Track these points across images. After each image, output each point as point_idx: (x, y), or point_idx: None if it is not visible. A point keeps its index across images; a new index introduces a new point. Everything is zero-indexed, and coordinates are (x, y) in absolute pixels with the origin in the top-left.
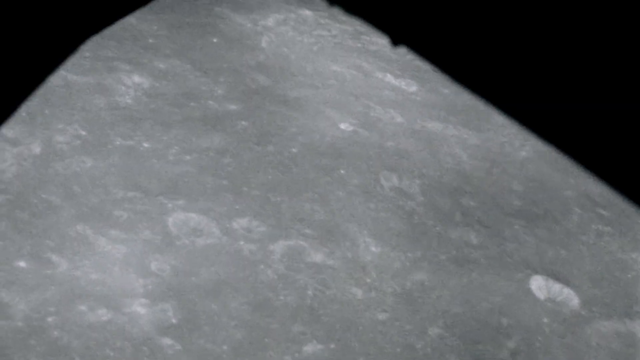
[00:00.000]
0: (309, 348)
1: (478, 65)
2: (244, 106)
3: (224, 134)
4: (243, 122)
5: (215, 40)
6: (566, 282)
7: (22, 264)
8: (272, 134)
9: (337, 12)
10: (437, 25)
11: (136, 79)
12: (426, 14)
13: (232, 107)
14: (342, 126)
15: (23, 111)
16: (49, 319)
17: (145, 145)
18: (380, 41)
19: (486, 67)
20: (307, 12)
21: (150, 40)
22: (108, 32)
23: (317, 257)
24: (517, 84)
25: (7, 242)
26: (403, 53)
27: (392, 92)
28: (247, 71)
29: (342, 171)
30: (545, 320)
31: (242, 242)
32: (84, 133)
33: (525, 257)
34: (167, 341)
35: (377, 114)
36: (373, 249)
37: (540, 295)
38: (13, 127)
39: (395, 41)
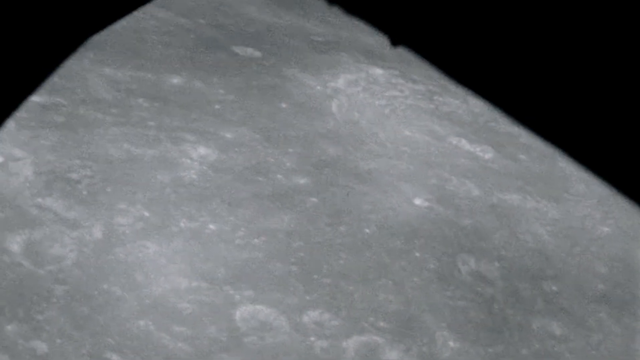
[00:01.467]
0: None
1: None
2: (314, 180)
3: (294, 213)
4: (313, 199)
5: (284, 105)
6: None
7: None
8: (344, 213)
9: (409, 69)
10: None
11: (202, 150)
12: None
13: (302, 181)
14: (417, 202)
15: (84, 189)
16: None
17: (211, 227)
18: (453, 101)
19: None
20: (379, 71)
21: (217, 107)
22: (173, 97)
23: (393, 354)
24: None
25: (66, 340)
26: (477, 114)
27: (467, 160)
28: (317, 140)
29: (417, 254)
30: None
31: (313, 339)
32: (147, 214)
33: (612, 349)
34: None
35: (453, 187)
36: (451, 343)
37: None
38: (73, 207)
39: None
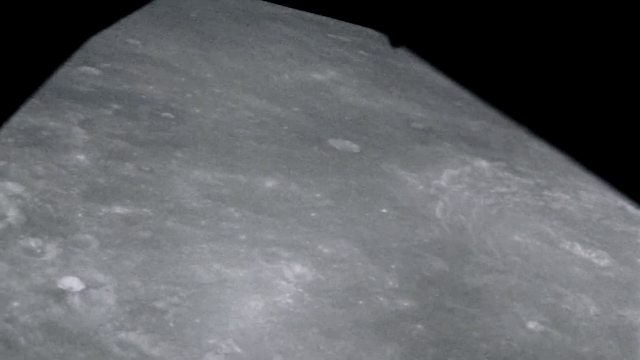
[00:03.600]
0: None
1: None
2: (419, 303)
3: (398, 344)
4: (418, 326)
5: (384, 210)
6: None
7: None
8: (452, 342)
9: (515, 159)
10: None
11: (298, 269)
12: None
13: (406, 303)
14: (531, 325)
15: (170, 320)
16: None
17: None
18: (563, 196)
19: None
20: (484, 164)
21: (313, 214)
22: (267, 203)
23: None
24: None
25: None
26: (589, 210)
27: (582, 269)
28: (420, 252)
29: None
30: None
31: None
32: (239, 350)
33: None
34: None
35: (568, 304)
36: None
37: None
38: (159, 343)
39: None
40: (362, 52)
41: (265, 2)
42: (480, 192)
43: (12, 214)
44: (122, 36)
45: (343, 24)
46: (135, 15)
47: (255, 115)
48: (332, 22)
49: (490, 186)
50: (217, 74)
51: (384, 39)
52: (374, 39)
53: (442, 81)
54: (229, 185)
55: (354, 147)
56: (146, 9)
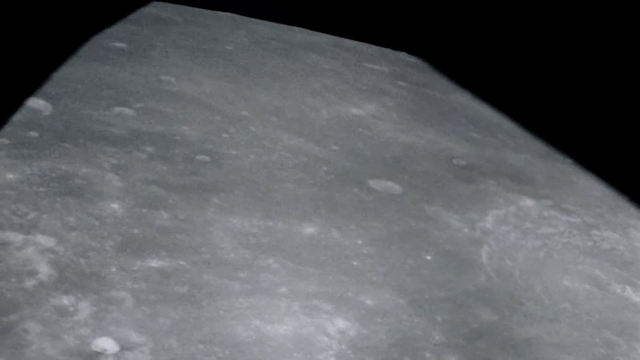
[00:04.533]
0: None
1: None
2: (467, 358)
3: None
4: None
5: (428, 257)
6: None
7: None
8: None
9: (561, 196)
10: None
11: (340, 323)
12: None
13: (453, 359)
14: None
15: None
16: None
17: None
18: (612, 235)
19: None
20: (529, 202)
21: (355, 263)
22: (307, 252)
23: None
24: None
25: None
26: (639, 250)
27: (634, 315)
28: (467, 302)
29: None
30: None
31: None
32: None
33: None
34: None
35: (622, 356)
36: None
37: None
38: None
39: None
40: (400, 82)
41: (300, 29)
42: (526, 234)
43: (44, 270)
44: (156, 72)
45: (379, 50)
46: (170, 50)
47: (293, 155)
48: (368, 48)
49: (537, 226)
50: (253, 110)
51: (422, 65)
52: (411, 67)
53: (483, 111)
54: (267, 233)
55: (396, 188)
56: (180, 42)
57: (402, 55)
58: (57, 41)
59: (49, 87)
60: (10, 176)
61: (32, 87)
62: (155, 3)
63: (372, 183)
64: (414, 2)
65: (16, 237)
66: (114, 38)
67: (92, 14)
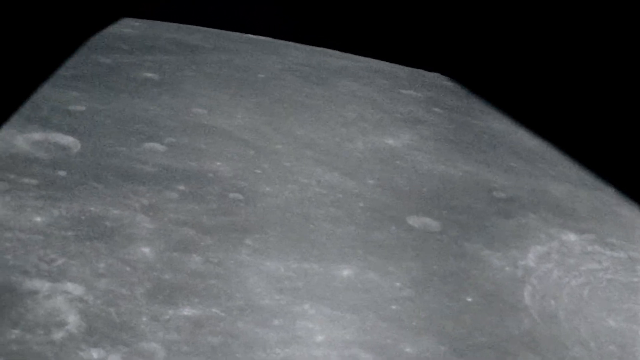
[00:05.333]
0: None
1: None
2: None
3: None
4: None
5: (469, 299)
6: None
7: None
8: None
9: (605, 230)
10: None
11: None
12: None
13: None
14: None
15: None
16: None
17: None
18: None
19: None
20: (572, 237)
21: (394, 307)
22: (344, 296)
23: None
24: None
25: None
26: None
27: None
28: (511, 347)
29: None
30: None
31: None
32: None
33: None
34: None
35: None
36: None
37: None
38: None
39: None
40: (436, 109)
41: (333, 53)
42: (569, 271)
43: (73, 320)
44: (187, 104)
45: (412, 72)
46: (202, 80)
47: (328, 191)
48: (402, 71)
49: (580, 263)
50: (287, 143)
51: (457, 89)
52: (446, 91)
53: (522, 138)
54: (303, 277)
55: (434, 225)
56: (211, 71)
57: (436, 77)
58: (86, 71)
59: (77, 122)
60: (38, 219)
61: (60, 123)
62: (183, 28)
63: (410, 220)
64: (434, 15)
65: (44, 285)
66: (143, 68)
67: (118, 43)
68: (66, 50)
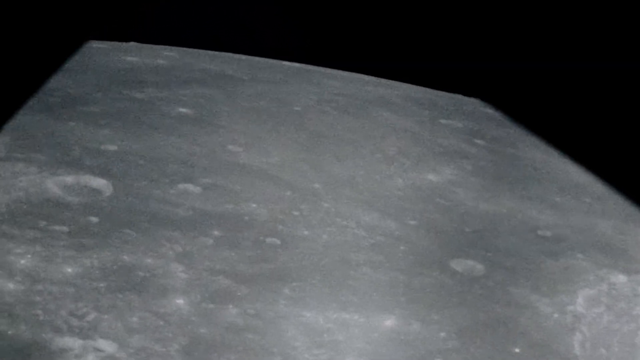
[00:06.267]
0: None
1: None
2: None
3: None
4: None
5: (517, 350)
6: None
7: None
8: None
9: None
10: None
11: None
12: None
13: None
14: None
15: None
16: None
17: None
18: None
19: None
20: (622, 278)
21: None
22: (386, 350)
23: None
24: None
25: None
26: None
27: None
28: None
29: None
30: None
31: None
32: None
33: None
34: None
35: None
36: None
37: None
38: None
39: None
40: (478, 140)
41: (369, 80)
42: (620, 316)
43: None
44: (223, 142)
45: (451, 99)
46: (237, 114)
47: (368, 234)
48: (441, 99)
49: (631, 306)
50: (325, 183)
51: (499, 117)
52: (488, 120)
53: (568, 172)
54: (343, 329)
55: (478, 269)
56: (247, 104)
57: (476, 105)
58: (119, 108)
59: (109, 162)
60: (69, 270)
61: (92, 164)
62: (217, 57)
63: (454, 264)
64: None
65: (75, 343)
66: (178, 103)
67: (151, 76)
68: (95, 82)
